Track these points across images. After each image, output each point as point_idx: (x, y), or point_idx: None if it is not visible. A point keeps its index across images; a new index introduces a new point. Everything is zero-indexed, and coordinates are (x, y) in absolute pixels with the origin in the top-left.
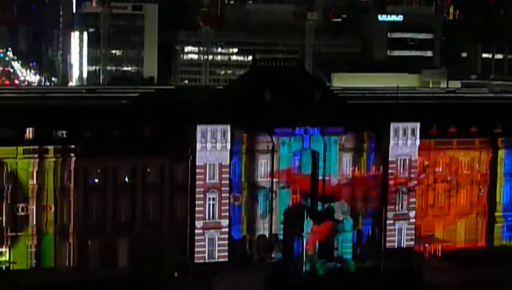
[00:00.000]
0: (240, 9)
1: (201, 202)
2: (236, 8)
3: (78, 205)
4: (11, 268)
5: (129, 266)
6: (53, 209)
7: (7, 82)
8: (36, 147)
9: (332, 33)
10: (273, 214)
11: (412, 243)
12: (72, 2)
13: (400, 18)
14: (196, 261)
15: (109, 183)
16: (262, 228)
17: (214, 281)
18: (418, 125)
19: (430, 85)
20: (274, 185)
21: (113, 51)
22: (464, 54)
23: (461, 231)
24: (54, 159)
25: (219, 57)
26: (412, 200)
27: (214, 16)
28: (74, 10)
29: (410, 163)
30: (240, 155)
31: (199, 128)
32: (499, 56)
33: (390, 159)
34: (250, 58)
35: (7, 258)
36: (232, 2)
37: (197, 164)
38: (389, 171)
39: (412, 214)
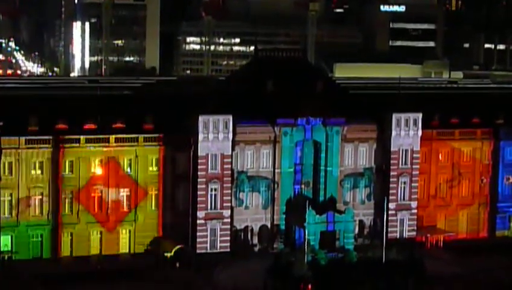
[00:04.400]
0: None
1: (203, 193)
2: None
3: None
4: (14, 258)
5: (131, 255)
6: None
7: (9, 72)
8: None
9: (335, 23)
10: (275, 205)
11: (414, 233)
12: None
13: (402, 8)
14: (198, 251)
15: (111, 173)
16: (264, 219)
17: (215, 270)
18: (420, 115)
19: (432, 76)
20: (276, 175)
21: (115, 42)
22: (466, 45)
23: (463, 221)
24: (51, 150)
25: (221, 48)
26: (414, 190)
27: (216, 6)
28: (76, 0)
29: (412, 153)
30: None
31: (201, 118)
32: (501, 47)
33: (392, 149)
34: (252, 48)
35: (9, 248)
36: None
37: (199, 154)
38: (391, 161)
39: (414, 204)
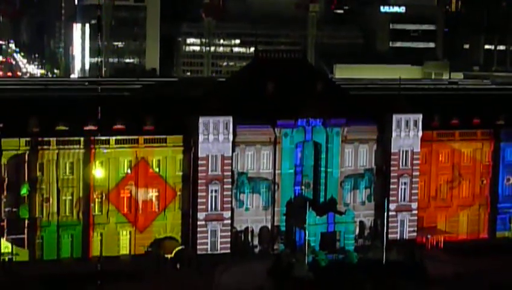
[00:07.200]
0: (242, 0)
1: (204, 194)
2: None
3: (82, 196)
4: (14, 260)
5: (132, 256)
6: (56, 200)
7: (9, 73)
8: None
9: (335, 24)
10: (276, 206)
11: (415, 234)
12: None
13: (402, 9)
14: (198, 252)
15: (112, 174)
16: (265, 220)
17: (216, 271)
18: (421, 116)
19: (433, 76)
20: (276, 176)
21: (115, 43)
22: (467, 46)
23: (464, 222)
24: (56, 151)
25: (221, 49)
26: (414, 191)
27: (216, 7)
28: (76, 2)
29: (412, 154)
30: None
31: (201, 120)
32: (501, 47)
33: (392, 150)
34: (252, 49)
35: (10, 250)
36: None
37: (200, 155)
38: (392, 162)
39: (415, 205)
